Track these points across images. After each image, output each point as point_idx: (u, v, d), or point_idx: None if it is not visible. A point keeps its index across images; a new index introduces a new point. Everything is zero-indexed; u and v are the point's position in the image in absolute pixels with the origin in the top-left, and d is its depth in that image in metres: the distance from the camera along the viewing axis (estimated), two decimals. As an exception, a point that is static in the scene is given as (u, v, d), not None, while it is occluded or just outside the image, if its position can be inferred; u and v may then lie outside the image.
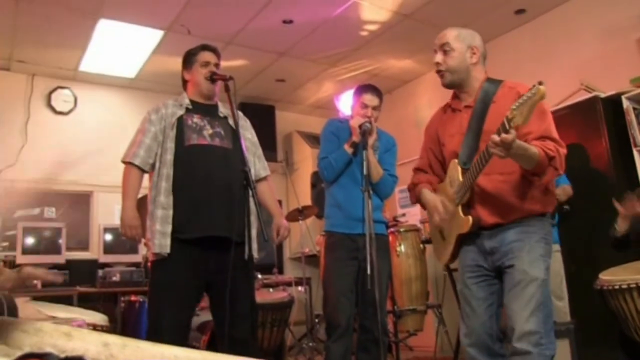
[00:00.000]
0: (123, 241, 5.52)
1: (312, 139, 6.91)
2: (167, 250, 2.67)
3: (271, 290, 4.26)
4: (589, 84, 4.40)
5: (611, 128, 4.14)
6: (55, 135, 5.75)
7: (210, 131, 2.93)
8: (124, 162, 2.87)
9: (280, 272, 6.72)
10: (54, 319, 2.03)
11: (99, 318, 2.26)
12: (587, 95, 4.32)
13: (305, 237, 6.06)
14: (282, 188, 7.10)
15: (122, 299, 4.11)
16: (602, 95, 4.22)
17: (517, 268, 2.18)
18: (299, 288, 5.53)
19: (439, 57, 2.37)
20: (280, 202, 7.06)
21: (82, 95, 5.94)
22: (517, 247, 2.20)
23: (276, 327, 3.36)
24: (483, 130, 2.29)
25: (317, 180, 6.35)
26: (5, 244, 5.26)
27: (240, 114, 3.15)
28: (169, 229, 2.70)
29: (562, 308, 3.82)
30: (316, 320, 5.34)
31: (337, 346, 3.16)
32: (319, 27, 5.17)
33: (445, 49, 2.35)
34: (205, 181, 2.77)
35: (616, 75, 4.35)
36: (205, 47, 3.11)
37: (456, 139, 2.40)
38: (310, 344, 4.88)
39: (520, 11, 5.16)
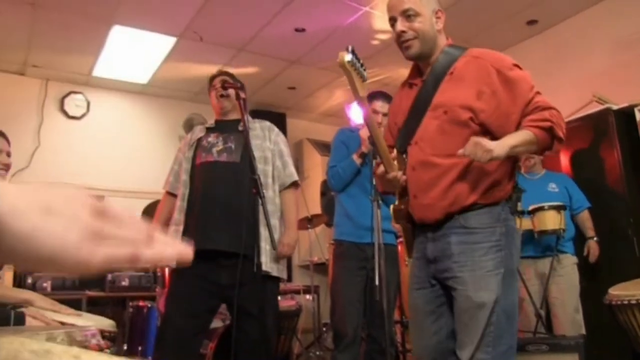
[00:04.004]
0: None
1: (323, 147, 6.92)
2: (174, 264, 2.70)
3: (279, 298, 4.23)
4: (601, 96, 4.38)
5: (624, 140, 4.12)
6: (68, 140, 5.80)
7: (220, 147, 2.96)
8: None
9: (289, 279, 6.72)
10: (63, 325, 2.04)
11: (107, 324, 2.25)
12: (599, 107, 4.30)
13: (314, 245, 6.05)
14: (291, 195, 7.09)
15: (131, 303, 4.11)
16: (615, 107, 4.19)
17: (459, 293, 1.87)
18: (307, 296, 5.51)
19: (402, 25, 1.99)
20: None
21: (95, 100, 6.00)
22: (458, 267, 1.88)
23: (283, 335, 3.36)
24: (431, 104, 1.99)
25: (326, 189, 6.34)
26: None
27: (267, 123, 3.15)
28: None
29: (578, 321, 3.82)
30: (324, 329, 5.32)
31: (344, 356, 3.15)
32: (331, 35, 5.19)
33: (408, 14, 1.97)
34: (207, 197, 2.82)
35: (628, 87, 4.33)
36: (216, 75, 3.18)
37: (401, 117, 2.11)
38: (318, 353, 4.86)
39: (532, 22, 5.15)
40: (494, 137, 1.88)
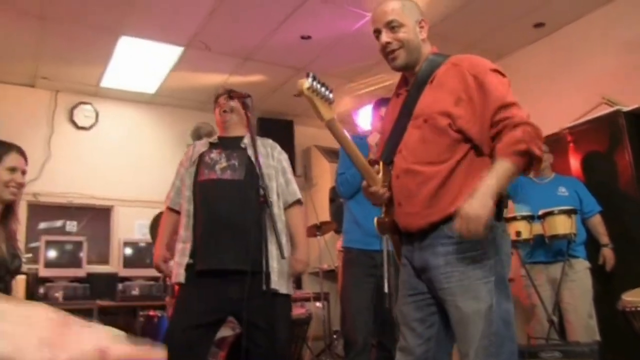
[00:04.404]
0: (142, 255, 5.59)
1: (331, 154, 6.91)
2: (182, 279, 2.76)
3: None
4: (610, 98, 4.35)
5: (635, 142, 4.08)
6: (77, 150, 5.84)
7: (224, 164, 2.93)
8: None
9: (299, 287, 6.71)
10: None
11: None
12: (609, 110, 4.26)
13: (323, 253, 6.04)
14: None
15: (141, 313, 4.13)
16: (625, 109, 4.15)
17: (449, 304, 1.84)
18: (317, 304, 5.50)
19: (386, 36, 2.01)
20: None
21: (104, 111, 6.04)
22: (446, 278, 1.84)
23: (294, 344, 3.34)
24: (413, 115, 1.98)
25: (335, 195, 6.33)
26: (29, 255, 5.33)
27: (269, 141, 3.12)
28: (184, 260, 2.78)
29: (592, 327, 3.77)
30: (334, 337, 5.29)
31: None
32: (337, 42, 5.19)
33: (392, 25, 1.99)
34: (212, 216, 2.79)
35: (637, 89, 4.29)
36: (221, 93, 3.12)
37: (388, 128, 2.12)
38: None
39: (539, 25, 5.12)
40: (474, 144, 1.88)
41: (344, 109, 6.69)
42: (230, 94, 3.03)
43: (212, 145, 3.00)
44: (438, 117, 1.90)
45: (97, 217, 5.98)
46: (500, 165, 1.77)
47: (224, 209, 2.79)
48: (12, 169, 2.31)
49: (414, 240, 1.98)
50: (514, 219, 3.78)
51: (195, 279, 2.74)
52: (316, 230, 5.11)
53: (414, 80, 2.05)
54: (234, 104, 2.98)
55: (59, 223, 5.76)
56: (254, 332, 2.64)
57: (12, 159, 2.32)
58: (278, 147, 3.12)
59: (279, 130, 6.89)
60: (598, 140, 4.25)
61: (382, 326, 3.19)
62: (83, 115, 5.89)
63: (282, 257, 2.62)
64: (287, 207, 2.96)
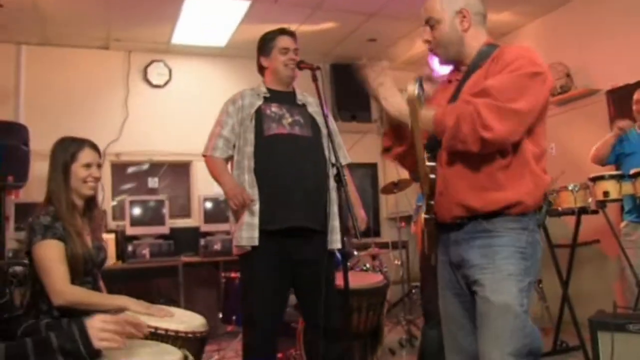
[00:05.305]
0: (222, 209, 5.71)
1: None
2: (256, 242, 2.68)
3: (367, 266, 4.20)
4: None
5: None
6: (154, 108, 5.95)
7: (290, 120, 2.86)
8: (204, 155, 2.90)
9: (377, 234, 6.71)
10: (156, 329, 2.11)
11: (198, 324, 2.30)
12: None
13: (400, 199, 5.89)
14: (377, 149, 6.93)
15: (223, 274, 4.25)
16: None
17: (479, 295, 1.79)
18: (395, 261, 5.45)
19: (427, 34, 2.00)
20: (375, 164, 7.04)
21: (176, 67, 6.07)
22: (479, 270, 1.80)
23: (372, 312, 3.34)
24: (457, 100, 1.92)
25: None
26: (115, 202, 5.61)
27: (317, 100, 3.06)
28: (256, 220, 2.70)
29: None
30: (412, 292, 5.28)
31: (434, 332, 3.11)
32: (409, -15, 4.88)
33: (431, 23, 1.96)
34: (288, 171, 2.72)
35: None
36: (282, 32, 2.97)
37: None
38: (408, 318, 4.87)
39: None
40: None
41: (419, 51, 6.41)
42: (299, 65, 2.92)
43: (267, 99, 2.89)
44: None
45: (178, 172, 6.15)
46: (430, 113, 1.78)
47: (298, 165, 2.74)
48: (88, 165, 2.34)
49: (450, 232, 1.91)
50: (602, 178, 3.52)
51: (265, 242, 2.68)
52: (393, 187, 5.01)
53: (465, 70, 1.98)
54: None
55: (146, 165, 5.97)
56: (318, 288, 2.62)
57: (86, 155, 2.35)
58: (329, 113, 3.07)
59: (353, 75, 6.68)
60: None
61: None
62: (157, 73, 5.95)
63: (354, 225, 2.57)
64: None
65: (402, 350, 4.53)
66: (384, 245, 5.94)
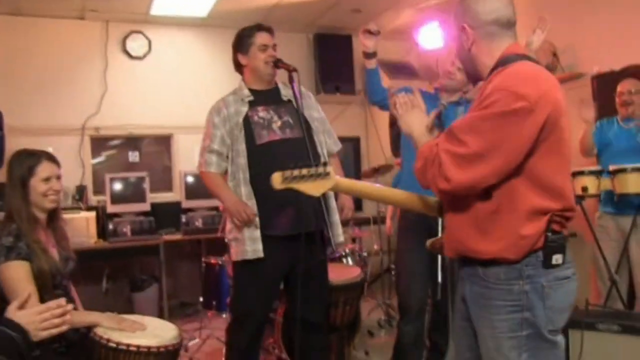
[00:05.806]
0: (203, 185, 5.66)
1: (392, 68, 6.59)
2: (261, 255, 2.71)
3: (346, 252, 4.18)
4: None
5: None
6: (133, 81, 5.81)
7: (279, 122, 2.83)
8: (200, 172, 2.90)
9: (359, 208, 6.71)
10: (128, 347, 2.13)
11: (171, 336, 2.31)
12: None
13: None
14: (361, 121, 6.92)
15: (203, 259, 4.25)
16: None
17: (482, 350, 1.72)
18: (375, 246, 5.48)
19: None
20: (359, 138, 6.98)
21: (156, 39, 5.89)
22: (476, 319, 1.73)
23: (349, 306, 3.38)
24: None
25: (395, 119, 6.12)
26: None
27: (307, 92, 3.05)
28: (257, 233, 2.73)
29: None
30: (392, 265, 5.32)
31: (410, 328, 3.15)
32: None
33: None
34: None
35: None
36: (260, 28, 2.89)
37: None
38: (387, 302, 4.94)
39: None
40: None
41: (405, 22, 6.26)
42: (277, 64, 2.85)
43: (252, 103, 2.84)
44: None
45: (158, 145, 6.08)
46: (423, 139, 1.77)
47: None
48: (47, 179, 2.31)
49: (460, 267, 1.83)
50: (581, 173, 3.51)
51: (268, 246, 2.72)
52: (374, 172, 4.98)
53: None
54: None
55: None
56: (309, 282, 2.75)
57: (44, 169, 2.31)
58: (312, 96, 3.07)
59: (337, 46, 6.58)
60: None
61: (436, 323, 3.17)
62: (136, 44, 5.78)
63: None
64: (330, 156, 3.00)
65: (380, 331, 4.61)
66: (365, 221, 5.98)
